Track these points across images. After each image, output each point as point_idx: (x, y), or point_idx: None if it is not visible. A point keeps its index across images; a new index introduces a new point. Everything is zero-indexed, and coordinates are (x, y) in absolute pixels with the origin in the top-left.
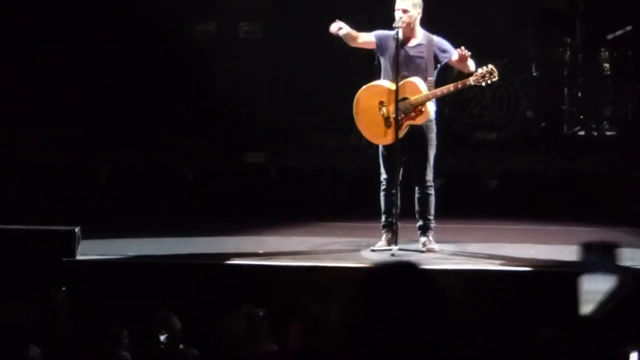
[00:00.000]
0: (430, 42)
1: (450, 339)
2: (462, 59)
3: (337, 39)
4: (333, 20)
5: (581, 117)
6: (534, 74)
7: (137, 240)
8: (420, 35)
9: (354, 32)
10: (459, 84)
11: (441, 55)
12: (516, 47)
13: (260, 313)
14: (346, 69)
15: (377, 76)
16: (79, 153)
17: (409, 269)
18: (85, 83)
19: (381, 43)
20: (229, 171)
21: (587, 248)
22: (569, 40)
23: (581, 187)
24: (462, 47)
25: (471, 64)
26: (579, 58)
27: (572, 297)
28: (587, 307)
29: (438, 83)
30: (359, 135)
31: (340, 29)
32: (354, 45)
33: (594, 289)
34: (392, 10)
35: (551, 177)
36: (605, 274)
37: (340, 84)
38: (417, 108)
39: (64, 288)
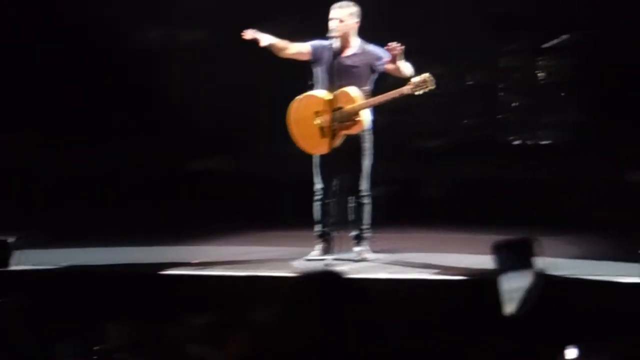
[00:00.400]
0: (365, 51)
1: (379, 346)
2: (394, 56)
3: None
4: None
5: (518, 126)
6: (471, 81)
7: (73, 250)
8: (356, 44)
9: (281, 43)
10: (395, 93)
11: (377, 64)
12: (454, 54)
13: (198, 321)
14: (283, 77)
15: (312, 86)
16: (15, 159)
17: (333, 277)
18: (26, 89)
19: (316, 53)
20: (165, 180)
21: (498, 248)
22: (506, 48)
23: (519, 195)
24: (392, 43)
25: (407, 69)
26: (516, 66)
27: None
28: (509, 307)
29: (375, 92)
30: (294, 144)
31: (256, 39)
32: (284, 56)
33: (513, 288)
34: (327, 19)
35: (488, 186)
36: (519, 272)
37: (278, 90)
38: (353, 117)
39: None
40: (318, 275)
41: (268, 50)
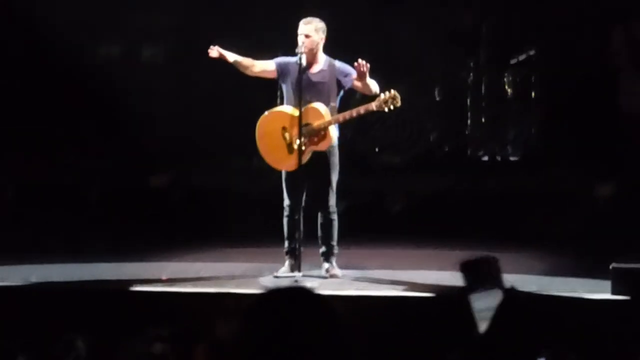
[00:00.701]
0: (332, 67)
1: None
2: (361, 74)
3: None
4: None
5: (484, 140)
6: (438, 96)
7: (40, 266)
8: (323, 60)
9: (246, 61)
10: (362, 109)
11: (344, 80)
12: (420, 69)
13: (164, 334)
14: (250, 92)
15: (279, 102)
16: None
17: (301, 293)
18: None
19: (282, 70)
20: (131, 194)
21: (465, 266)
22: (472, 63)
23: (485, 210)
24: (360, 60)
25: (373, 85)
26: (483, 81)
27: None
28: (480, 325)
29: (341, 108)
30: (261, 159)
31: (221, 55)
32: (250, 74)
33: (482, 306)
34: (295, 35)
35: (455, 201)
36: (487, 290)
37: (244, 106)
38: (320, 133)
39: None
40: (286, 290)
41: (234, 67)
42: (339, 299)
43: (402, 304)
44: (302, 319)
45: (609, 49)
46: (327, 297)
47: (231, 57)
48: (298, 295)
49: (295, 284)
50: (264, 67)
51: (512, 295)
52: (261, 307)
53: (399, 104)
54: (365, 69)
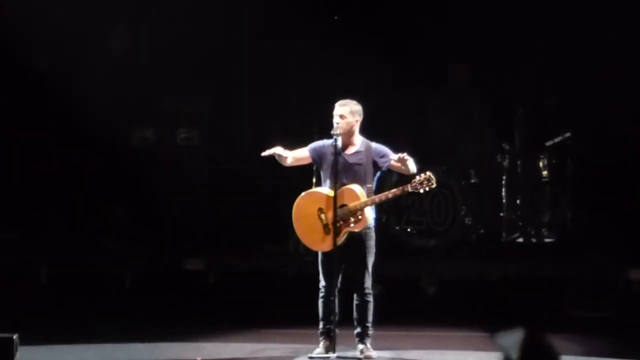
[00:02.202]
0: (368, 149)
1: None
2: (402, 161)
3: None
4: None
5: (520, 223)
6: (473, 180)
7: (76, 346)
8: (359, 142)
9: (285, 155)
10: (397, 191)
11: (380, 161)
12: (456, 152)
13: None
14: (285, 175)
15: (314, 185)
16: (18, 256)
17: None
18: (26, 187)
19: (316, 155)
20: (168, 277)
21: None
22: (507, 146)
23: (521, 293)
24: (404, 154)
25: (412, 166)
26: (518, 164)
27: None
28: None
29: (377, 190)
30: (297, 242)
31: (279, 155)
32: (287, 165)
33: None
34: (332, 116)
35: (490, 284)
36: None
37: (279, 190)
38: (356, 215)
39: None
40: None
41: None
42: None
43: None
44: None
45: None
46: None
47: (289, 156)
48: None
49: None
50: (300, 155)
51: None
52: None
53: (434, 185)
54: (406, 157)
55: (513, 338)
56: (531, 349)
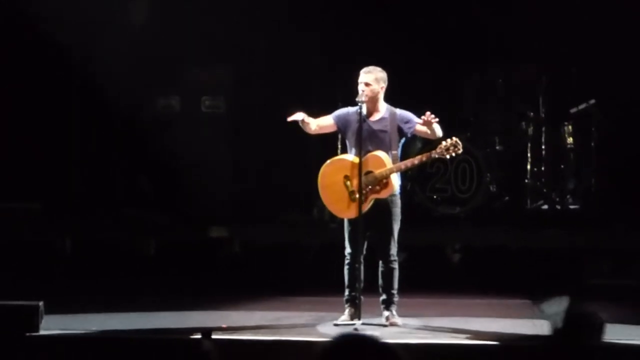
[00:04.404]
0: (393, 116)
1: None
2: (428, 123)
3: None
4: (293, 107)
5: (544, 190)
6: (497, 147)
7: (100, 315)
8: (384, 109)
9: (311, 123)
10: (423, 157)
11: (405, 127)
12: (480, 120)
13: None
14: (307, 143)
15: (339, 153)
16: (41, 227)
17: (370, 342)
18: (49, 157)
19: (341, 123)
20: (192, 245)
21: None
22: (532, 114)
23: (545, 260)
24: (428, 113)
25: (438, 130)
26: (542, 132)
27: None
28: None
29: (403, 156)
30: (322, 209)
31: (304, 122)
32: (312, 133)
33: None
34: (356, 84)
35: (514, 251)
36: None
37: (302, 158)
38: (382, 181)
39: None
40: (356, 339)
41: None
42: (401, 347)
43: (464, 353)
44: None
45: None
46: (392, 345)
47: (312, 123)
48: (368, 344)
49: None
50: (324, 123)
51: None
52: (334, 356)
53: (460, 151)
54: (432, 119)
55: (558, 307)
56: (576, 318)
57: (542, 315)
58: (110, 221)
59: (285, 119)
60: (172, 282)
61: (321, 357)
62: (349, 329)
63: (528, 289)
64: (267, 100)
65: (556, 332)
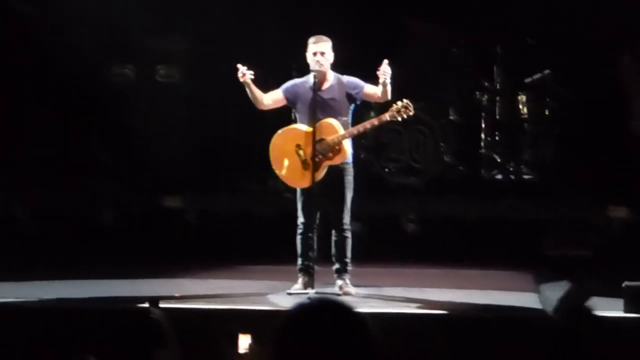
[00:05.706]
0: (340, 83)
1: None
2: (384, 84)
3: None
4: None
5: (499, 160)
6: (452, 117)
7: (54, 282)
8: (331, 77)
9: (259, 95)
10: (375, 120)
11: (353, 93)
12: (434, 90)
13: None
14: (263, 113)
15: (293, 122)
16: None
17: (333, 307)
18: (2, 128)
19: (290, 95)
20: (146, 215)
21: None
22: (486, 83)
23: (499, 231)
24: (386, 61)
25: (388, 90)
26: (497, 101)
27: (489, 341)
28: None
29: (354, 123)
30: (276, 178)
31: (247, 83)
32: (262, 107)
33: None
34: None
35: (469, 221)
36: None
37: (257, 127)
38: (335, 148)
39: None
40: (318, 305)
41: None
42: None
43: (417, 322)
44: (337, 333)
45: (619, 73)
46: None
47: (255, 90)
48: (331, 308)
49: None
50: (274, 97)
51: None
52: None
53: (411, 112)
54: (388, 73)
55: (558, 292)
56: (577, 312)
57: (540, 296)
58: (66, 190)
59: (237, 75)
60: (128, 251)
61: (293, 317)
62: (302, 298)
63: (482, 259)
64: (222, 70)
65: (556, 317)
